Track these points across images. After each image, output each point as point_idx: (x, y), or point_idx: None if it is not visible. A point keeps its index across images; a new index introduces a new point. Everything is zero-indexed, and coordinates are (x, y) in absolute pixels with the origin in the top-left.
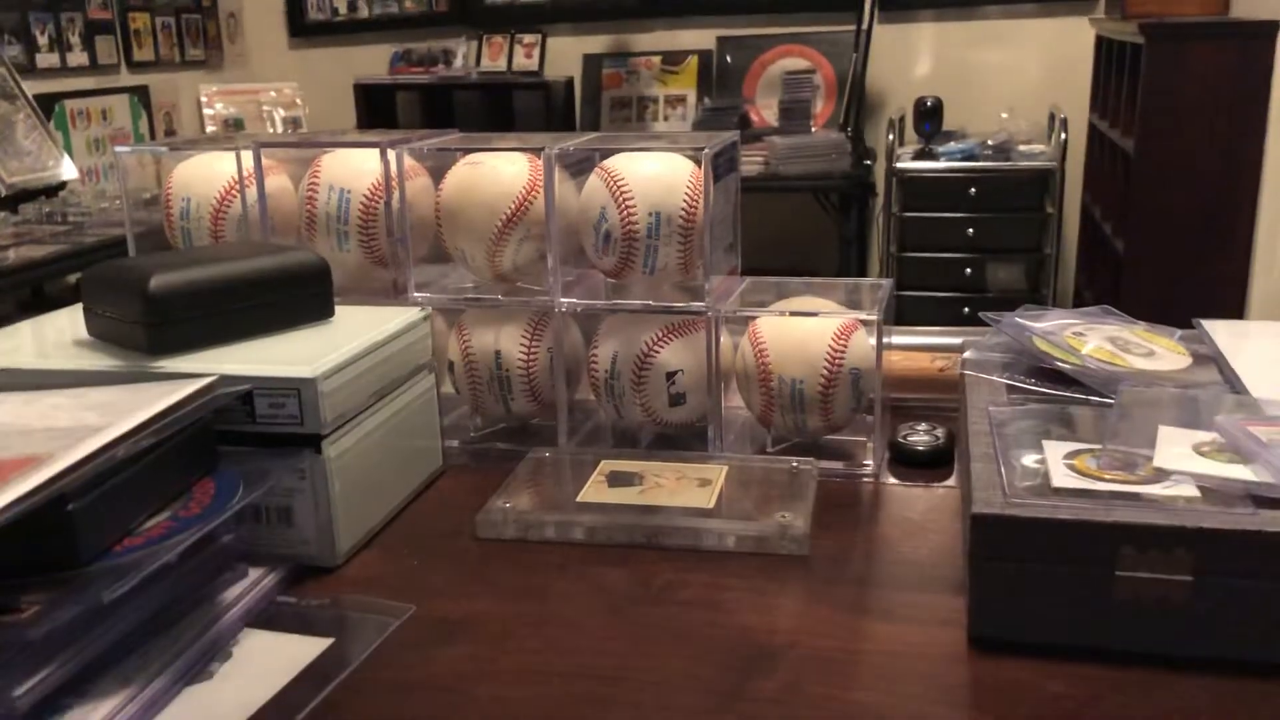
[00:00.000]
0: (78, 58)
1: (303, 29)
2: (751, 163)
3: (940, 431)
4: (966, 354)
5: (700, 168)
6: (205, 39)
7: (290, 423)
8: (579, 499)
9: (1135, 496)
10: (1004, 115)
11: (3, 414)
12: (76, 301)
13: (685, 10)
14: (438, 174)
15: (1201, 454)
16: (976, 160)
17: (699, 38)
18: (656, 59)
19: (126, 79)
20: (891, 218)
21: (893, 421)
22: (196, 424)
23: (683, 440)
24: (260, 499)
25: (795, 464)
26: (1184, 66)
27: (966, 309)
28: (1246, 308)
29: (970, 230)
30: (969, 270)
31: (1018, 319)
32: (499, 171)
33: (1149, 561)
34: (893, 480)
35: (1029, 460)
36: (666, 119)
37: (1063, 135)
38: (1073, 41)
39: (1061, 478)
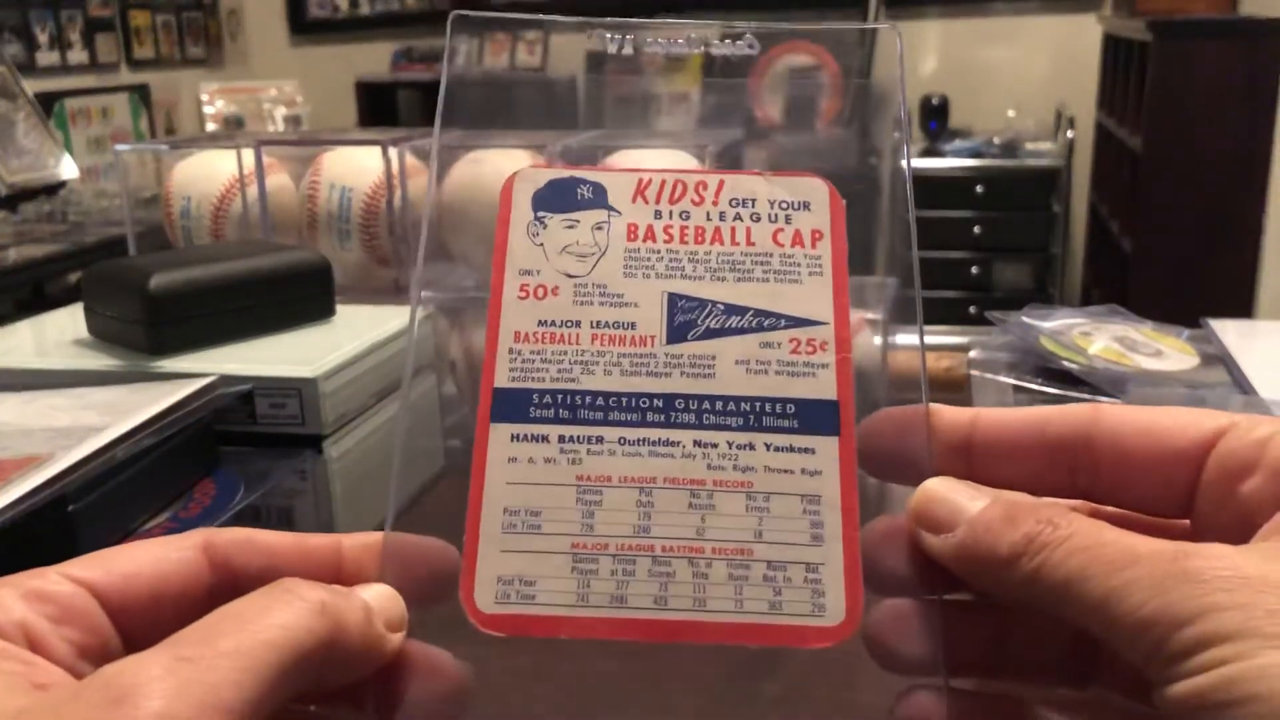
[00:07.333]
0: (78, 56)
1: (303, 27)
2: (756, 160)
3: None
4: (972, 353)
5: (705, 165)
6: (206, 37)
7: (291, 423)
8: None
9: None
10: (1010, 113)
11: (2, 414)
12: (77, 300)
13: (689, 6)
14: (439, 172)
15: None
16: (983, 158)
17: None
18: (660, 56)
19: (127, 77)
20: (896, 217)
21: None
22: (197, 424)
23: None
24: (261, 500)
25: None
26: (1192, 65)
27: (973, 308)
28: (1255, 307)
29: (976, 229)
30: (975, 269)
31: (1024, 318)
32: (501, 169)
33: None
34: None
35: None
36: (670, 116)
37: (1070, 133)
38: (1080, 39)
39: None
